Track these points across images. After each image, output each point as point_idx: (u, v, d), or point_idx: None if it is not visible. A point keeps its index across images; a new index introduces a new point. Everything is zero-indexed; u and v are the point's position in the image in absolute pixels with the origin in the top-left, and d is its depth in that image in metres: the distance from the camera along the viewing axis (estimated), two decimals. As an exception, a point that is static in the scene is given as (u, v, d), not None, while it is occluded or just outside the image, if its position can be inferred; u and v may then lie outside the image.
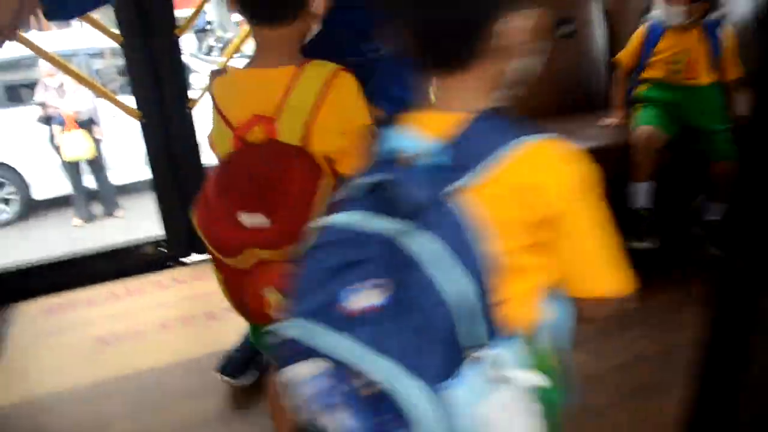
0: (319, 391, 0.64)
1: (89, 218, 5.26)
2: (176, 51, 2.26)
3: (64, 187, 5.18)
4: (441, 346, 0.62)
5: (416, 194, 0.65)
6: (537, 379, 0.69)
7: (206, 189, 0.99)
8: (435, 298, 0.61)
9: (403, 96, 1.19)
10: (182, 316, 2.16)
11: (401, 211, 0.66)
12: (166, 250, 2.49)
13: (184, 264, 2.49)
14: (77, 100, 4.83)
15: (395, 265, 0.63)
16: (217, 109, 1.04)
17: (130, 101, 2.34)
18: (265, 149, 0.99)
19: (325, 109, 0.99)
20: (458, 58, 0.73)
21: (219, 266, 1.01)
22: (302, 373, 0.65)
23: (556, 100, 2.55)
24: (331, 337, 0.63)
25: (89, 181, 5.19)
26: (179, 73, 2.31)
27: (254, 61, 1.06)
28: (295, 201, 0.94)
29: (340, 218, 0.70)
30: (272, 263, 0.95)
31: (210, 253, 1.00)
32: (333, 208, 0.73)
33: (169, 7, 2.20)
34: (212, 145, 1.10)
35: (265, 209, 0.94)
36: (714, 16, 2.31)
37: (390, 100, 1.04)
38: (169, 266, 2.48)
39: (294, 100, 0.99)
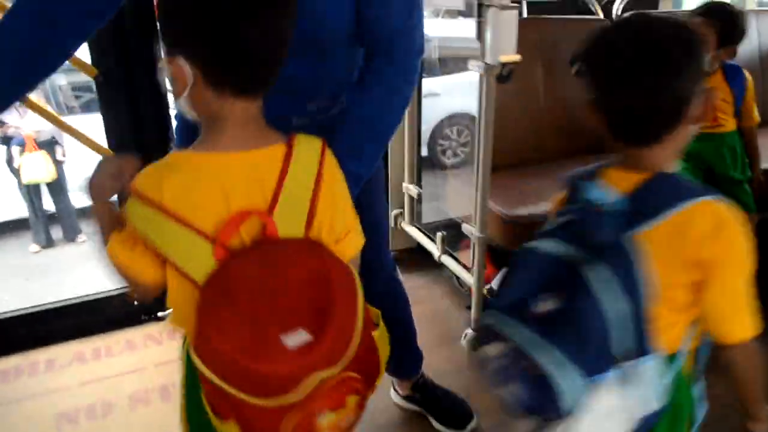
0: (501, 367, 0.85)
1: (48, 244, 4.91)
2: (158, 87, 2.00)
3: (22, 211, 4.82)
4: (594, 349, 0.79)
5: (600, 234, 0.84)
6: (651, 401, 0.84)
7: (213, 320, 0.75)
8: (597, 314, 0.78)
9: (360, 172, 1.07)
10: (160, 385, 1.89)
11: (585, 244, 0.84)
12: (137, 302, 2.21)
13: (158, 319, 2.22)
14: (39, 119, 4.50)
15: (573, 284, 0.81)
16: (176, 218, 0.79)
17: (96, 119, 2.09)
18: (275, 250, 0.82)
19: (325, 188, 0.87)
20: (659, 135, 0.87)
21: (240, 413, 0.77)
22: (492, 352, 0.85)
23: (568, 142, 2.45)
24: (516, 327, 0.83)
25: (49, 204, 4.86)
26: (162, 112, 2.04)
27: (220, 143, 0.83)
28: (343, 303, 0.79)
29: (541, 244, 0.89)
30: (324, 384, 0.76)
31: (230, 400, 0.76)
32: (539, 236, 0.92)
33: (153, 39, 1.95)
34: (152, 279, 0.84)
35: (305, 322, 0.76)
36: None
37: (348, 175, 0.94)
38: (143, 321, 2.21)
39: (292, 185, 0.83)
